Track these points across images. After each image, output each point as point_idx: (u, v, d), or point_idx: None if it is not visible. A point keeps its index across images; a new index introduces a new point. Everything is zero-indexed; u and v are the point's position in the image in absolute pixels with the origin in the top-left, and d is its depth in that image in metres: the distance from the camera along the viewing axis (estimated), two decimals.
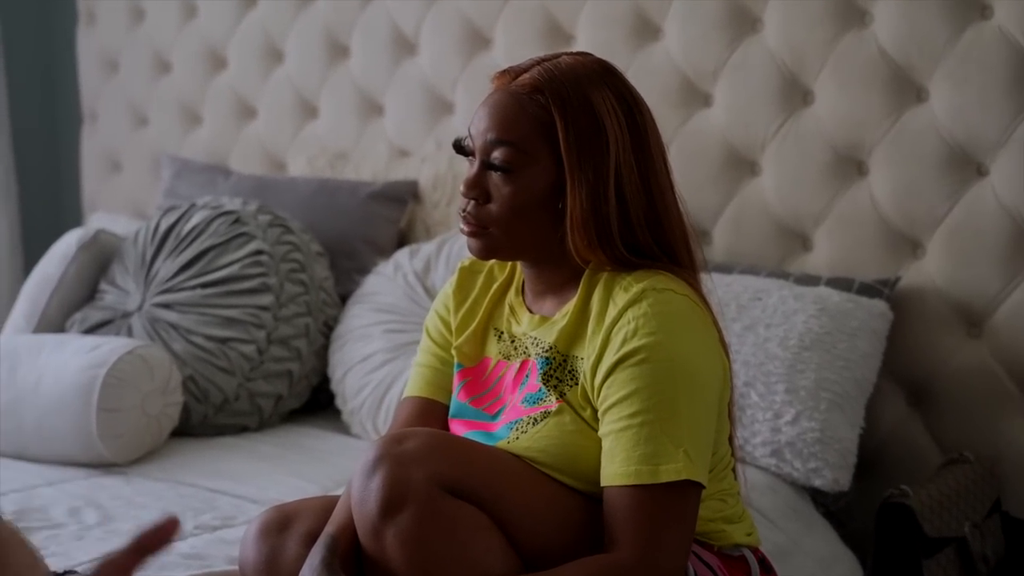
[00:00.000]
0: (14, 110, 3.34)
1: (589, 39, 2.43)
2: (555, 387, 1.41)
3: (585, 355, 1.39)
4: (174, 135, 3.14)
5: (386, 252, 2.54)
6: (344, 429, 2.29)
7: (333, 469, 2.03)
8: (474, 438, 1.45)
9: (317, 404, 2.42)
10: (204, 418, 2.26)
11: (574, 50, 1.52)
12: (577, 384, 1.39)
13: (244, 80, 3.01)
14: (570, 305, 1.42)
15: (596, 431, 1.37)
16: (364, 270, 2.47)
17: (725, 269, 2.16)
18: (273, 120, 2.98)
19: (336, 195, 2.61)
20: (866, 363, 2.02)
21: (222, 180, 2.78)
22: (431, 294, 2.26)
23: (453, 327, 1.55)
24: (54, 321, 2.42)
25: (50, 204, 3.50)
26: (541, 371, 1.42)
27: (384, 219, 2.58)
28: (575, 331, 1.41)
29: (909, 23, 2.11)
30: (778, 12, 2.23)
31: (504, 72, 1.47)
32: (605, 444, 1.35)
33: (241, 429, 2.29)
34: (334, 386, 2.30)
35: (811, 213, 2.22)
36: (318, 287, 2.38)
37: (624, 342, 1.35)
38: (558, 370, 1.41)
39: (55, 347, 2.17)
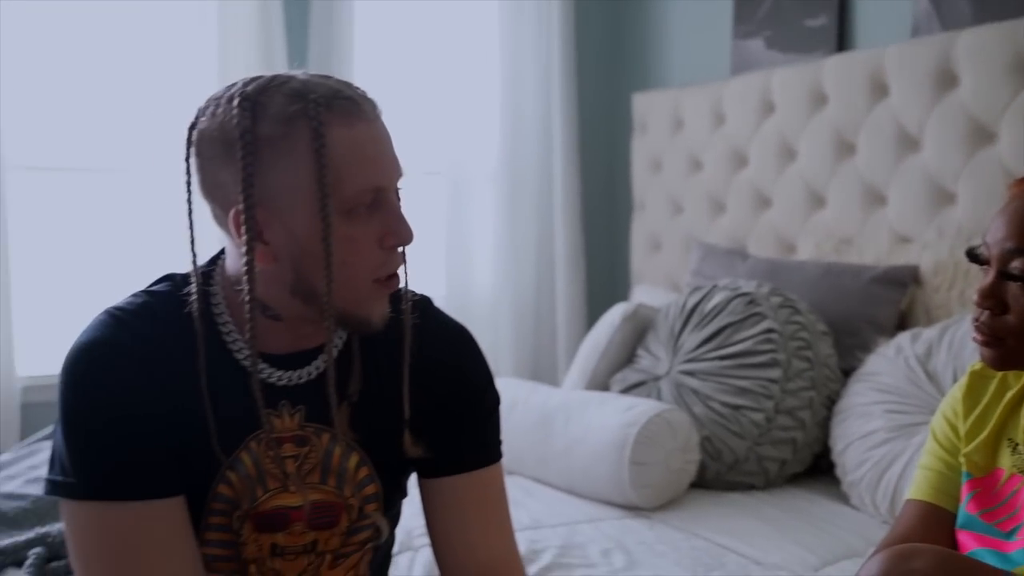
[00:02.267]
0: (585, 199, 3.38)
1: None
2: None
3: None
4: (703, 221, 2.99)
5: (887, 332, 2.19)
6: (842, 498, 1.98)
7: (832, 540, 1.74)
8: (984, 556, 1.11)
9: (817, 469, 2.12)
10: (717, 474, 2.06)
11: None
12: None
13: (762, 175, 2.79)
14: None
15: None
16: (865, 348, 2.15)
17: None
18: (785, 209, 2.73)
19: (841, 277, 2.31)
20: None
21: (740, 262, 2.57)
22: (932, 379, 1.89)
23: (962, 433, 1.21)
24: (601, 379, 2.34)
25: (607, 274, 3.49)
26: None
27: (886, 301, 2.23)
28: None
29: None
30: None
31: (1022, 180, 1.14)
32: None
33: (748, 487, 2.06)
34: (835, 456, 2.00)
35: None
36: (822, 364, 2.09)
37: None
38: None
39: (599, 404, 2.08)
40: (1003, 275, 1.10)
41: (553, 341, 3.33)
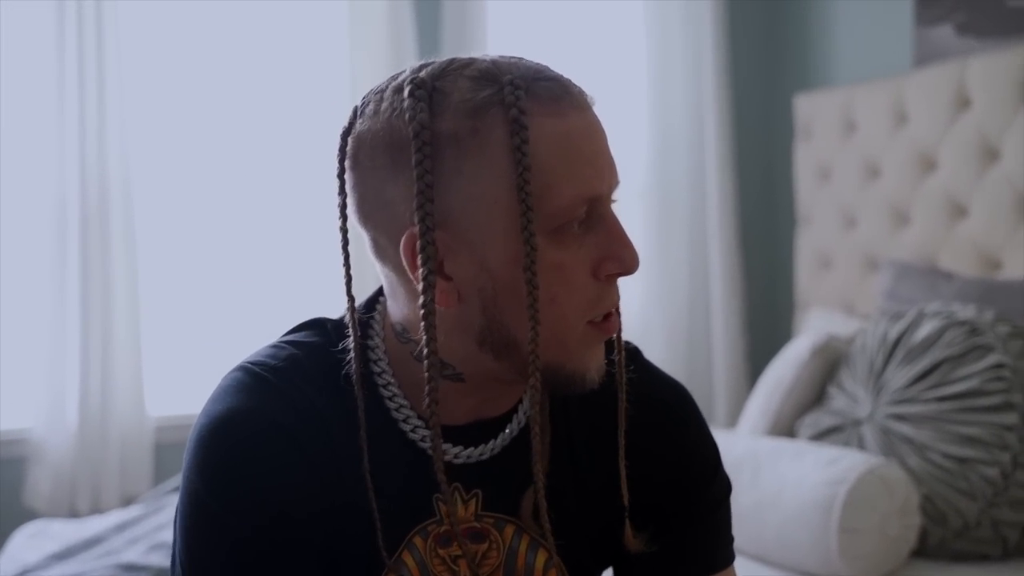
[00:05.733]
0: (742, 213, 3.09)
1: None
2: None
3: None
4: (882, 236, 2.64)
5: None
6: None
7: None
8: None
9: None
10: (942, 542, 1.72)
11: None
12: None
13: (956, 180, 2.44)
14: None
15: None
16: None
17: None
18: (987, 219, 2.36)
19: None
20: None
21: (944, 283, 2.22)
22: None
23: None
24: (786, 421, 2.03)
25: (769, 296, 3.17)
26: None
27: None
28: None
29: None
30: None
31: None
32: None
33: (982, 557, 1.71)
34: None
35: None
36: None
37: None
38: None
39: (794, 455, 1.78)
40: None
41: (709, 370, 3.03)
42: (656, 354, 2.96)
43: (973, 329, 1.80)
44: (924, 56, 2.59)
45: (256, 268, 2.72)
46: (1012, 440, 1.68)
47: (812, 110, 2.87)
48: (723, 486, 0.96)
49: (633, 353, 0.96)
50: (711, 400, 3.00)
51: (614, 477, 0.89)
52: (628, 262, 0.81)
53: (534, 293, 0.77)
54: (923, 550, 1.72)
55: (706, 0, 2.95)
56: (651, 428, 0.92)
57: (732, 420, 2.90)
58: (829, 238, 2.83)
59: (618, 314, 0.85)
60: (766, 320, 3.08)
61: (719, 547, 0.95)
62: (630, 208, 2.97)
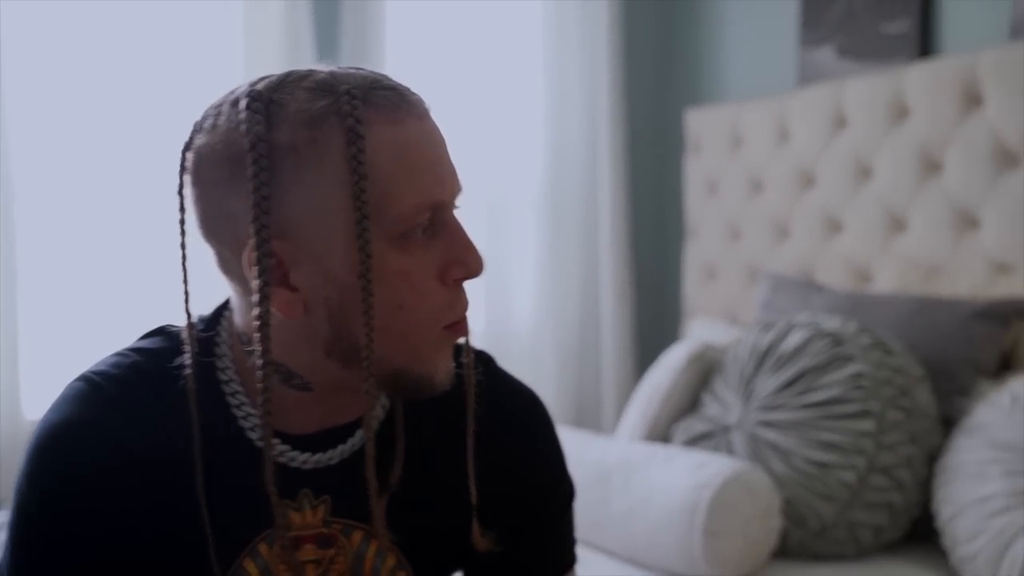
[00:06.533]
0: (634, 224, 3.15)
1: None
2: None
3: None
4: (764, 248, 2.73)
5: (988, 375, 1.92)
6: (951, 572, 1.70)
7: None
8: None
9: (916, 536, 1.84)
10: (801, 543, 1.78)
11: None
12: None
13: (833, 197, 2.53)
14: None
15: None
16: (964, 392, 1.87)
17: None
18: (860, 234, 2.46)
19: (935, 313, 2.03)
20: None
21: (815, 295, 2.31)
22: None
23: None
24: (662, 428, 2.08)
25: (658, 306, 3.24)
26: None
27: (986, 339, 1.95)
28: None
29: None
30: None
31: None
32: None
33: (838, 557, 1.78)
34: (941, 524, 1.72)
35: None
36: (922, 414, 1.81)
37: None
38: None
39: (664, 460, 1.82)
40: None
41: (598, 378, 3.08)
42: (547, 361, 3.00)
43: (837, 340, 1.87)
44: (807, 76, 2.69)
45: (139, 270, 2.66)
46: (868, 445, 1.76)
47: (701, 125, 2.94)
48: (568, 492, 0.98)
49: (486, 361, 0.98)
50: (600, 407, 3.05)
51: (466, 479, 0.90)
52: (473, 266, 0.83)
53: (369, 300, 0.78)
54: (784, 551, 1.79)
55: (602, 15, 3.00)
56: (501, 434, 0.94)
57: None
58: (715, 250, 2.91)
59: (466, 317, 0.87)
60: (655, 329, 3.15)
61: (562, 551, 0.97)
62: (523, 217, 3.01)
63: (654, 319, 3.20)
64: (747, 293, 2.75)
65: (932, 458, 1.80)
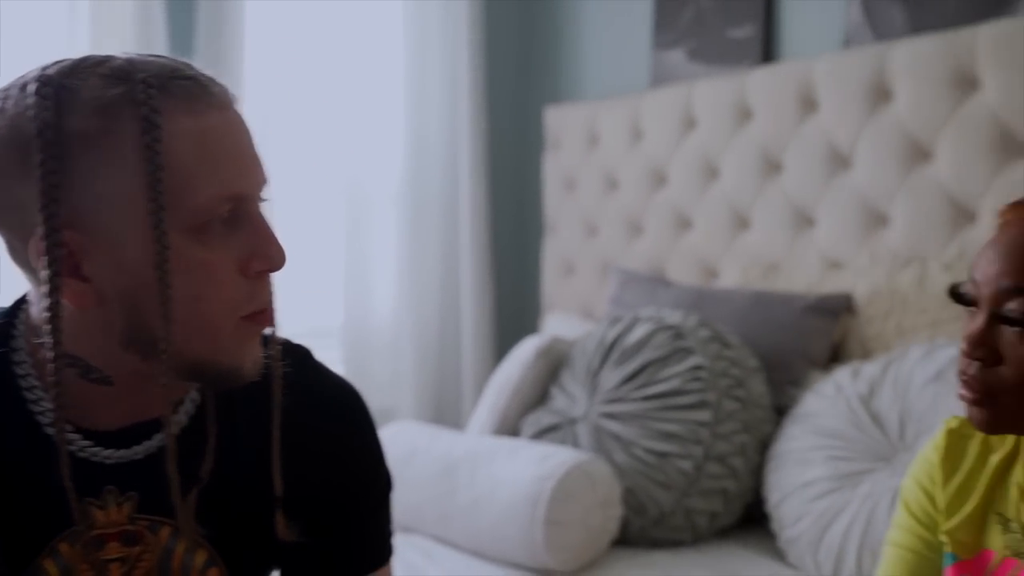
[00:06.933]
0: (494, 220, 3.17)
1: None
2: None
3: None
4: (619, 245, 2.79)
5: (819, 365, 2.02)
6: (779, 555, 1.78)
7: None
8: None
9: (750, 520, 1.92)
10: (641, 531, 1.83)
11: None
12: None
13: (682, 195, 2.61)
14: None
15: None
16: (797, 383, 1.97)
17: None
18: (708, 232, 2.55)
19: (771, 307, 2.12)
20: None
21: (663, 290, 2.37)
22: (877, 421, 1.70)
23: (941, 505, 1.01)
24: (512, 421, 2.11)
25: (517, 302, 3.27)
26: None
27: (818, 332, 2.06)
28: None
29: None
30: None
31: (1018, 203, 0.94)
32: None
33: (676, 543, 1.84)
34: (770, 509, 1.80)
35: None
36: (755, 404, 1.89)
37: None
38: None
39: (509, 453, 1.84)
40: (997, 318, 0.90)
41: (458, 374, 3.09)
42: (407, 356, 2.99)
43: (678, 333, 1.93)
44: (659, 77, 2.76)
45: None
46: (705, 435, 1.82)
47: (560, 123, 2.98)
48: (384, 485, 0.98)
49: (303, 354, 0.97)
50: (460, 401, 3.06)
51: (287, 467, 0.90)
52: (275, 259, 0.83)
53: (167, 292, 0.77)
54: (624, 539, 1.83)
55: (463, 13, 3.01)
56: (315, 425, 0.93)
57: None
58: (573, 246, 2.96)
59: (272, 309, 0.86)
60: (514, 324, 3.17)
61: (378, 544, 0.98)
62: (383, 212, 2.99)
63: (513, 314, 3.23)
64: (603, 289, 2.81)
65: (765, 446, 1.88)
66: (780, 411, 1.95)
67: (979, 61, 1.89)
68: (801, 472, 1.73)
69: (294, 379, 0.90)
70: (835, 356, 2.08)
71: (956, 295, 0.95)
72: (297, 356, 0.95)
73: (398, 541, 1.86)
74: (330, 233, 2.94)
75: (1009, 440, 1.00)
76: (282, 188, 2.95)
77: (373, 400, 3.01)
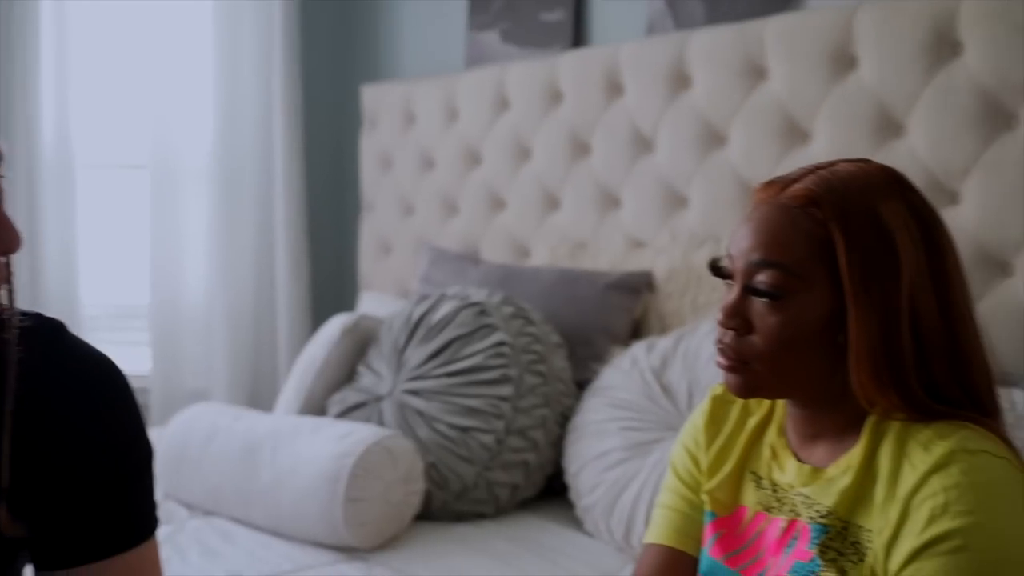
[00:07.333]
0: (310, 198, 3.11)
1: (828, 138, 1.92)
2: (833, 560, 0.92)
3: (874, 528, 0.89)
4: (435, 224, 2.80)
5: (621, 341, 2.09)
6: (576, 523, 1.83)
7: (564, 573, 1.58)
8: None
9: (551, 492, 1.97)
10: (444, 505, 1.85)
11: (852, 157, 1.02)
12: (862, 561, 0.90)
13: (496, 175, 2.64)
14: (850, 458, 0.93)
15: None
16: (599, 358, 2.03)
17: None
18: (520, 211, 2.59)
19: (576, 284, 2.18)
20: None
21: (472, 268, 2.40)
22: (667, 393, 1.78)
23: (704, 467, 1.07)
24: (318, 400, 2.08)
25: (334, 281, 3.22)
26: (816, 539, 0.93)
27: (620, 308, 2.13)
28: (859, 493, 0.92)
29: None
30: None
31: (770, 183, 1.00)
32: None
33: (478, 516, 1.87)
34: (568, 479, 1.85)
35: None
36: (556, 378, 1.94)
37: (931, 521, 0.84)
38: (837, 540, 0.92)
39: (312, 431, 1.82)
40: (749, 290, 0.95)
41: (274, 355, 3.02)
42: (221, 336, 2.90)
43: (482, 310, 1.95)
44: (474, 58, 2.77)
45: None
46: (506, 409, 1.85)
47: (377, 101, 2.96)
48: (143, 456, 0.95)
49: (57, 329, 0.92)
50: (275, 381, 3.00)
51: (22, 456, 0.85)
52: (7, 240, 0.79)
53: None
54: (427, 514, 1.85)
55: None
56: (60, 407, 0.89)
57: None
58: (389, 225, 2.94)
59: (11, 289, 0.82)
60: (331, 303, 3.13)
61: (138, 518, 0.94)
62: (193, 188, 2.89)
63: (331, 294, 3.19)
64: (417, 268, 2.80)
65: (566, 419, 1.93)
66: (582, 386, 2.00)
67: (767, 52, 2.00)
68: (597, 443, 1.79)
69: (39, 360, 0.86)
70: (636, 332, 2.15)
71: (715, 269, 1.00)
72: (45, 334, 0.90)
73: (197, 524, 1.81)
74: (135, 207, 2.81)
75: (765, 404, 1.06)
76: (82, 158, 2.80)
77: (185, 382, 2.94)
